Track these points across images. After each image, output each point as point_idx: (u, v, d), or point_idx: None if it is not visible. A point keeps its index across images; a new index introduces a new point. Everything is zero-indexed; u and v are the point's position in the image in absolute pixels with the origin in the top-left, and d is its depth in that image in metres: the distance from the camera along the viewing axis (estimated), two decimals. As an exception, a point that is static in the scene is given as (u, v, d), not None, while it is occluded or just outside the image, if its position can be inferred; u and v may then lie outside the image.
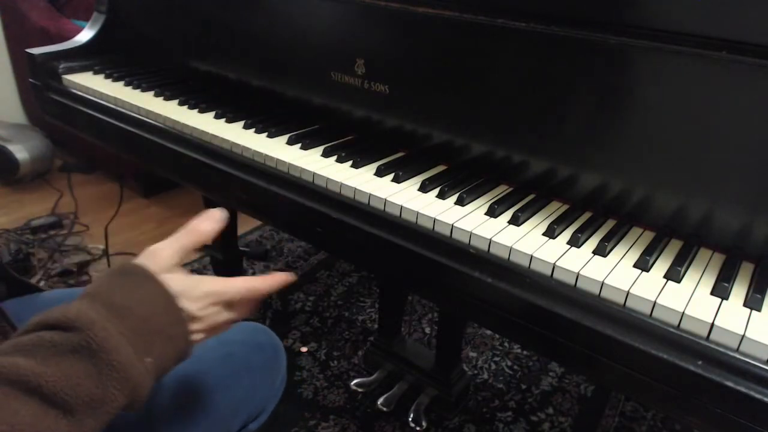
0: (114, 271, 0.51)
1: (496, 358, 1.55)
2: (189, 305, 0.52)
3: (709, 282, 0.65)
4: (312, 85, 1.04)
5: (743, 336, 0.57)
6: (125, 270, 0.51)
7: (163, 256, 0.54)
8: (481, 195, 0.83)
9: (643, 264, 0.67)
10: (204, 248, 1.86)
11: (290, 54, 1.06)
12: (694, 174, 0.70)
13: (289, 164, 0.89)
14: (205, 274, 1.80)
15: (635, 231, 0.76)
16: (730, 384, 0.56)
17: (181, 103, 1.13)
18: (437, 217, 0.75)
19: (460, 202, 0.79)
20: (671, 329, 0.60)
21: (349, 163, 0.90)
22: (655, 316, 0.61)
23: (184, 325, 0.51)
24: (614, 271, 0.66)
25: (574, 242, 0.71)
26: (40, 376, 0.41)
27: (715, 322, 0.58)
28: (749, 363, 0.56)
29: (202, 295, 0.53)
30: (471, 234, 0.73)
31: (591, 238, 0.73)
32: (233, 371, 0.75)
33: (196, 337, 0.54)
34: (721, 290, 0.63)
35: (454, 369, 1.32)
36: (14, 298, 0.79)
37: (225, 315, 0.56)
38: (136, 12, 1.34)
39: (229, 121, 1.05)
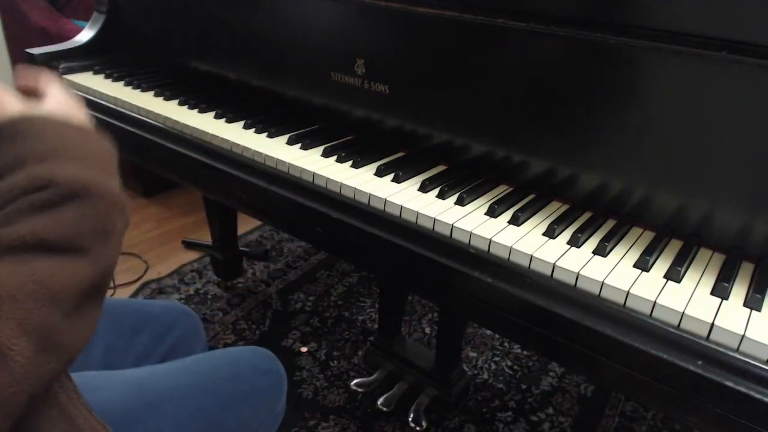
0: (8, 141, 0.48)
1: (496, 358, 1.55)
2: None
3: (709, 282, 0.65)
4: (312, 85, 1.04)
5: (743, 336, 0.57)
6: (16, 130, 0.48)
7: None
8: (481, 195, 0.83)
9: (643, 264, 0.67)
10: (204, 248, 1.86)
11: (290, 54, 1.06)
12: (694, 174, 0.70)
13: (289, 164, 0.89)
14: (205, 274, 1.80)
15: (635, 231, 0.76)
16: (730, 384, 0.56)
17: (181, 103, 1.13)
18: (437, 217, 0.75)
19: (460, 202, 0.79)
20: (671, 329, 0.60)
21: (349, 163, 0.90)
22: (655, 316, 0.61)
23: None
24: (614, 271, 0.66)
25: (574, 242, 0.71)
26: (36, 233, 0.41)
27: (715, 322, 0.58)
28: (749, 363, 0.56)
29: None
30: (471, 234, 0.73)
31: (591, 238, 0.73)
32: (240, 391, 0.76)
33: None
34: (721, 290, 0.63)
35: (454, 369, 1.32)
36: None
37: None
38: (136, 12, 1.34)
39: (229, 121, 1.05)
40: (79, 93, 1.23)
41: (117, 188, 0.48)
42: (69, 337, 0.42)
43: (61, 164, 0.45)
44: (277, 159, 0.91)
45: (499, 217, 0.76)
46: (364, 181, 0.85)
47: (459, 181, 0.85)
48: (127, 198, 0.48)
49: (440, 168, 0.91)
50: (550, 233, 0.73)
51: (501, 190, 0.85)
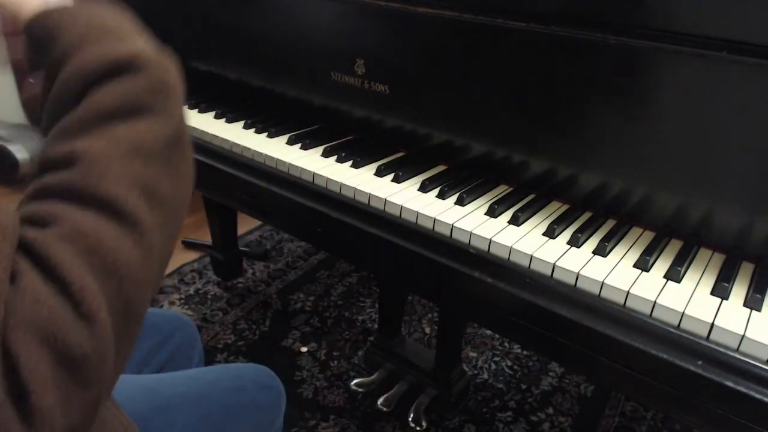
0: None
1: (496, 358, 1.55)
2: None
3: (709, 282, 0.65)
4: (312, 85, 1.04)
5: (743, 336, 0.57)
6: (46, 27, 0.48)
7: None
8: (481, 195, 0.83)
9: (643, 264, 0.67)
10: (204, 248, 1.86)
11: (290, 54, 1.06)
12: (694, 174, 0.70)
13: (289, 164, 0.89)
14: (205, 274, 1.80)
15: (635, 231, 0.76)
16: (730, 384, 0.56)
17: (181, 103, 1.13)
18: (437, 217, 0.75)
19: (460, 202, 0.79)
20: (671, 329, 0.60)
21: (349, 163, 0.90)
22: (655, 316, 0.61)
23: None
24: (614, 271, 0.66)
25: (574, 242, 0.71)
26: (101, 107, 0.42)
27: (715, 322, 0.58)
28: (749, 363, 0.56)
29: None
30: (471, 234, 0.73)
31: (591, 238, 0.73)
32: (242, 404, 0.78)
33: None
34: (721, 290, 0.63)
35: (454, 369, 1.32)
36: None
37: None
38: (136, 12, 1.33)
39: (229, 121, 1.05)
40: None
41: (149, 48, 0.49)
42: (170, 189, 0.43)
43: (99, 46, 0.45)
44: (277, 159, 0.91)
45: (499, 217, 0.76)
46: (364, 181, 0.85)
47: (459, 181, 0.85)
48: (165, 54, 0.50)
49: (440, 168, 0.91)
50: (550, 233, 0.73)
51: (501, 190, 0.85)
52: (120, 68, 0.45)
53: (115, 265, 0.37)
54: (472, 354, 1.56)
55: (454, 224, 0.74)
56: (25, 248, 0.36)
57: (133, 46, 0.48)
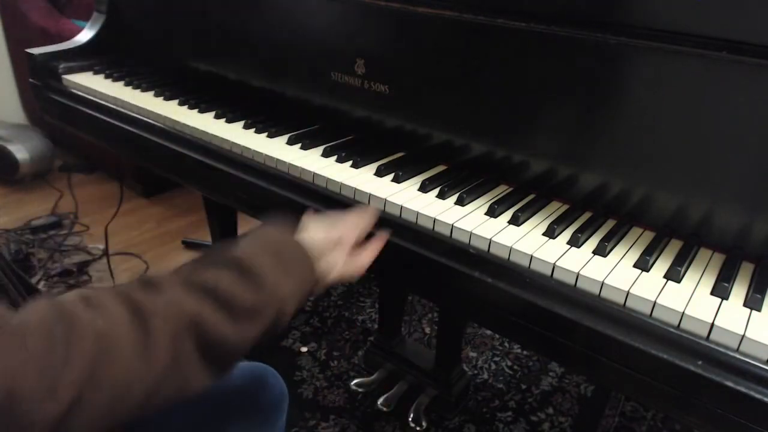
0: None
1: (496, 358, 1.55)
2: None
3: (709, 282, 0.65)
4: (312, 85, 1.04)
5: (743, 336, 0.57)
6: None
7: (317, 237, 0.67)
8: (481, 195, 0.83)
9: (643, 264, 0.67)
10: (204, 248, 1.86)
11: (290, 54, 1.06)
12: (694, 174, 0.70)
13: (289, 164, 0.89)
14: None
15: (635, 231, 0.76)
16: (730, 384, 0.56)
17: (181, 103, 1.13)
18: (437, 217, 0.75)
19: (460, 202, 0.79)
20: (671, 329, 0.60)
21: (349, 163, 0.90)
22: (655, 316, 0.61)
23: (311, 263, 0.63)
24: (614, 271, 0.66)
25: (574, 242, 0.71)
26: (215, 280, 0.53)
27: (715, 322, 0.58)
28: (749, 363, 0.56)
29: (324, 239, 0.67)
30: (471, 234, 0.73)
31: (591, 238, 0.73)
32: (244, 404, 0.78)
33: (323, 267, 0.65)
34: (721, 290, 0.63)
35: (454, 369, 1.32)
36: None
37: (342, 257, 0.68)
38: (136, 12, 1.34)
39: (229, 121, 1.05)
40: (79, 93, 1.23)
41: (285, 289, 0.59)
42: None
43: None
44: (277, 159, 0.91)
45: (499, 217, 0.76)
46: (364, 181, 0.84)
47: (459, 181, 0.85)
48: (288, 299, 0.59)
49: (440, 168, 0.91)
50: (550, 233, 0.73)
51: (501, 190, 0.85)
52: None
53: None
54: (472, 354, 1.56)
55: (454, 224, 0.74)
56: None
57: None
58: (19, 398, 0.39)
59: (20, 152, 2.27)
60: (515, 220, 0.75)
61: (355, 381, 1.35)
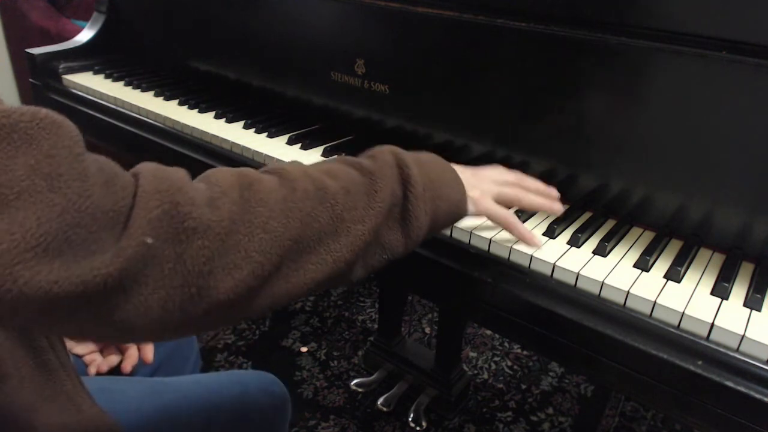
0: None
1: (496, 358, 1.55)
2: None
3: (709, 282, 0.65)
4: (312, 85, 1.04)
5: (743, 336, 0.57)
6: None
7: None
8: (481, 195, 0.82)
9: (643, 264, 0.67)
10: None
11: (290, 54, 1.06)
12: (694, 174, 0.70)
13: (289, 164, 0.89)
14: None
15: (635, 231, 0.76)
16: (730, 384, 0.56)
17: (181, 103, 1.13)
18: (437, 217, 0.75)
19: (460, 202, 0.79)
20: (671, 329, 0.60)
21: (349, 163, 0.90)
22: (655, 316, 0.61)
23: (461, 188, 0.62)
24: (614, 271, 0.66)
25: (574, 242, 0.71)
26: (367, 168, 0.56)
27: (715, 322, 0.58)
28: (749, 363, 0.56)
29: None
30: (471, 234, 0.73)
31: (591, 238, 0.73)
32: (247, 410, 0.79)
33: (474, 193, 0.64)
34: (721, 290, 0.63)
35: (454, 369, 1.32)
36: None
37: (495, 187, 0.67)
38: (136, 12, 1.34)
39: (229, 121, 1.05)
40: (79, 93, 1.23)
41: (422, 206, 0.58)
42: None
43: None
44: (277, 159, 0.91)
45: (499, 217, 0.76)
46: (364, 181, 0.84)
47: (459, 181, 0.85)
48: (423, 216, 0.58)
49: (440, 168, 0.91)
50: (550, 233, 0.73)
51: (501, 190, 0.85)
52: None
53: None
54: (472, 354, 1.56)
55: (454, 225, 0.74)
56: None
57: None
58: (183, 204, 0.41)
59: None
60: (515, 220, 0.75)
61: (355, 381, 1.35)
